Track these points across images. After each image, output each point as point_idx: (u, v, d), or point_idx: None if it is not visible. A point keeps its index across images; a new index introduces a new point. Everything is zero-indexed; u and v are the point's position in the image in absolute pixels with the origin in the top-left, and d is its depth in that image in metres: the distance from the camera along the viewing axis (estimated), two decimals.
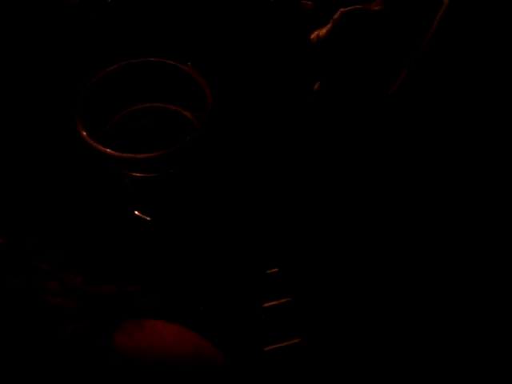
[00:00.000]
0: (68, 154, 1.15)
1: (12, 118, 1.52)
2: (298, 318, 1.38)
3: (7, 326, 0.80)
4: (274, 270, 1.23)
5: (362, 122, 1.95)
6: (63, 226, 1.13)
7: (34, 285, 0.85)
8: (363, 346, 1.44)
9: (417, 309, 1.41)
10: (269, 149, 2.05)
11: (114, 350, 0.76)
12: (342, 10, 1.96)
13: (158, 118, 0.70)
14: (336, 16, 1.97)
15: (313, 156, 2.27)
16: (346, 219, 2.04)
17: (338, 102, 2.11)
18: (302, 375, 1.25)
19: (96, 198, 1.09)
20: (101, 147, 0.64)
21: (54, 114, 1.46)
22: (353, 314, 1.54)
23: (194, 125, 0.66)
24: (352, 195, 2.06)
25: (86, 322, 0.83)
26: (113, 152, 0.62)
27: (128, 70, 0.97)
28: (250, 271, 1.02)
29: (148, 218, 0.94)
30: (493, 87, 1.12)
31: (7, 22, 1.69)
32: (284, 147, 2.14)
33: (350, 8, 1.95)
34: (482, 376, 1.25)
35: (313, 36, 2.18)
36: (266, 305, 1.21)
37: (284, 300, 1.35)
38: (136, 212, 0.98)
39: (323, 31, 2.07)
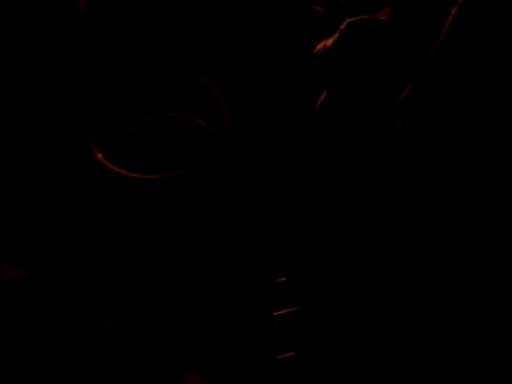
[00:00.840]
0: (81, 173, 1.15)
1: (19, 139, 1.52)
2: (307, 327, 1.39)
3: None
4: (282, 279, 1.23)
5: (368, 133, 1.96)
6: (77, 254, 1.12)
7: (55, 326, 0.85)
8: (370, 354, 1.44)
9: (423, 318, 1.41)
10: (278, 156, 2.06)
11: None
12: (348, 20, 1.97)
13: (173, 128, 0.69)
14: (343, 26, 1.98)
15: (320, 166, 2.28)
16: (353, 230, 2.05)
17: (345, 112, 2.12)
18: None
19: (114, 220, 1.08)
20: (118, 169, 0.63)
21: (64, 129, 1.46)
22: (360, 322, 1.55)
23: (209, 133, 0.66)
24: (358, 206, 2.07)
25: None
26: (131, 174, 0.62)
27: (141, 80, 0.96)
28: (260, 280, 1.02)
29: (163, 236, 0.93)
30: (502, 98, 1.13)
31: (13, 30, 1.70)
32: (293, 156, 2.15)
33: (356, 18, 1.96)
34: (482, 376, 1.26)
35: (319, 46, 2.19)
36: (277, 313, 1.21)
37: (293, 309, 1.35)
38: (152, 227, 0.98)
39: (330, 41, 2.08)
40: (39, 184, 1.39)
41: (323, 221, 2.07)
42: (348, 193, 2.13)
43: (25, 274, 0.99)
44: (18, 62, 1.70)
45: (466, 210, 1.31)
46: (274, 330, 1.12)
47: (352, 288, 1.74)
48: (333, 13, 2.91)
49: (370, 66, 1.91)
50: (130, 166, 0.62)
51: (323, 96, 2.33)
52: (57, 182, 1.35)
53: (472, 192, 1.28)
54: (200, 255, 0.94)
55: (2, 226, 1.25)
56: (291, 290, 1.40)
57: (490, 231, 1.27)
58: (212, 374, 1.07)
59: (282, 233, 1.56)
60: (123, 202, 0.96)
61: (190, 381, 0.96)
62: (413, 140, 1.35)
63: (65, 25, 1.69)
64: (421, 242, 1.49)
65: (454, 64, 1.21)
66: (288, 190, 2.12)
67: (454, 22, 1.19)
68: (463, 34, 1.17)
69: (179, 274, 1.06)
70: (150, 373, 0.91)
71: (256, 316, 1.10)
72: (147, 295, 1.00)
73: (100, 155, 0.61)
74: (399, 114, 1.36)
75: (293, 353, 1.20)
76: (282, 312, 1.18)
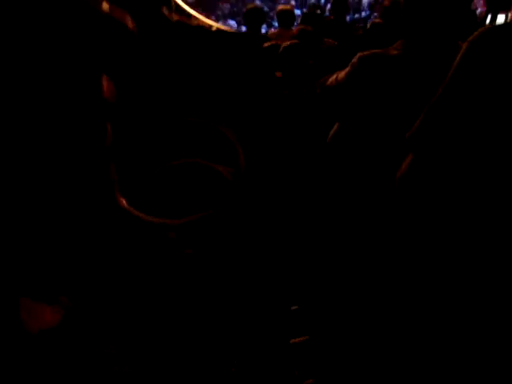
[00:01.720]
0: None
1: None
2: (318, 355, 1.39)
3: None
4: (294, 308, 1.25)
5: (379, 165, 1.97)
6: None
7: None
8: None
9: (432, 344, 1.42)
10: (289, 188, 2.09)
11: None
12: (360, 54, 2.01)
13: (196, 173, 0.71)
14: (355, 60, 2.03)
15: (331, 197, 2.30)
16: (362, 264, 2.06)
17: (357, 144, 2.15)
18: None
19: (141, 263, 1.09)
20: (146, 216, 0.65)
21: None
22: (367, 351, 1.55)
23: (227, 179, 0.68)
24: (367, 237, 2.08)
25: None
26: (157, 219, 0.63)
27: (164, 129, 0.99)
28: (275, 309, 1.04)
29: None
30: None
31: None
32: (303, 188, 2.18)
33: (368, 52, 2.00)
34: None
35: (332, 78, 2.23)
36: (293, 341, 1.22)
37: (304, 338, 1.36)
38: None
39: (342, 74, 2.12)
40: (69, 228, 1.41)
41: (333, 256, 2.08)
42: (358, 225, 2.14)
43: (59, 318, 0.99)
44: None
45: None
46: (289, 357, 1.13)
47: (361, 318, 1.75)
48: (346, 46, 2.96)
49: (380, 98, 1.94)
50: (156, 209, 0.63)
51: (335, 128, 2.36)
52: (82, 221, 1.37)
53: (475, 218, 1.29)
54: (219, 286, 0.95)
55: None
56: (303, 319, 1.41)
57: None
58: None
59: (295, 267, 1.58)
60: (148, 238, 0.98)
61: None
62: (424, 174, 1.36)
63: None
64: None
65: (464, 98, 1.22)
66: (301, 226, 2.14)
67: (464, 57, 1.21)
68: (473, 69, 1.19)
69: (198, 305, 1.07)
70: None
71: (271, 342, 1.11)
72: (166, 324, 1.01)
73: (125, 202, 0.62)
74: (410, 147, 1.37)
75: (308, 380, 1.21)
76: (297, 340, 1.19)
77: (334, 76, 2.20)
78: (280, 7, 5.86)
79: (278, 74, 3.32)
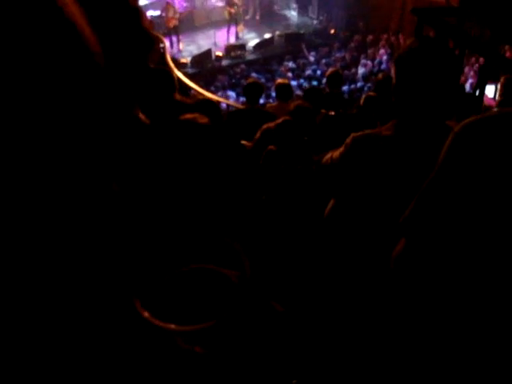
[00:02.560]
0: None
1: None
2: None
3: None
4: (294, 382, 1.25)
5: (373, 242, 2.01)
6: None
7: None
8: None
9: None
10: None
11: None
12: (354, 134, 2.09)
13: (203, 279, 0.73)
14: (348, 140, 2.10)
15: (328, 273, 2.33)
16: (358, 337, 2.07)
17: (352, 220, 2.20)
18: None
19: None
20: (160, 323, 0.66)
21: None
22: None
23: (234, 284, 0.71)
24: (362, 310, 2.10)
25: None
26: (168, 325, 0.65)
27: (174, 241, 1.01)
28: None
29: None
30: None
31: None
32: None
33: (361, 133, 2.07)
34: None
35: (327, 157, 2.30)
36: None
37: None
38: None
39: (336, 154, 2.19)
40: None
41: (331, 331, 2.10)
42: (352, 300, 2.16)
43: None
44: None
45: None
46: None
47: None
48: (341, 125, 3.05)
49: (374, 179, 2.00)
50: (166, 314, 0.64)
51: (331, 204, 2.42)
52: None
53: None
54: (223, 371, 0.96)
55: None
56: None
57: None
58: None
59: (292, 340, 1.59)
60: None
61: None
62: (418, 258, 1.40)
63: None
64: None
65: (450, 188, 1.27)
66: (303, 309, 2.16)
67: (449, 148, 1.26)
68: (457, 160, 1.24)
69: None
70: None
71: None
72: None
73: (147, 314, 0.64)
74: (403, 232, 1.41)
75: None
76: None
77: (329, 155, 2.27)
78: (278, 81, 6.07)
79: (273, 148, 3.41)
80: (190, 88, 9.44)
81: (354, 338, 2.11)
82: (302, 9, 19.63)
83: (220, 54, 16.06)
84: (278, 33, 17.99)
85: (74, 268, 0.56)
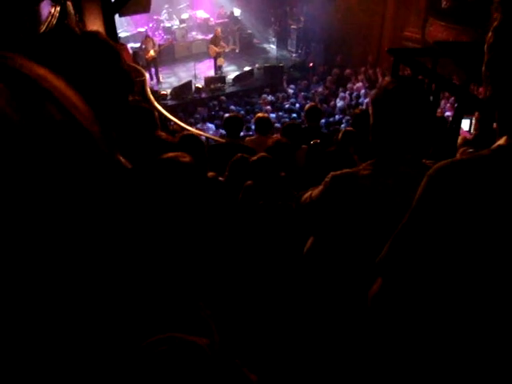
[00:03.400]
0: None
1: None
2: None
3: None
4: None
5: (352, 279, 2.02)
6: None
7: None
8: None
9: None
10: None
11: None
12: (333, 173, 2.11)
13: (176, 349, 0.72)
14: (327, 179, 2.12)
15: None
16: None
17: (330, 258, 2.21)
18: None
19: None
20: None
21: None
22: None
23: (205, 351, 0.70)
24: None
25: None
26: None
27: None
28: None
29: None
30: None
31: None
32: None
33: (340, 172, 2.09)
34: None
35: (306, 195, 2.32)
36: None
37: None
38: None
39: (316, 192, 2.21)
40: None
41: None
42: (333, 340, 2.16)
43: None
44: None
45: None
46: None
47: None
48: (319, 164, 3.07)
49: (352, 217, 2.02)
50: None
51: (310, 242, 2.43)
52: None
53: None
54: None
55: None
56: None
57: None
58: None
59: None
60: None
61: None
62: (394, 298, 1.41)
63: None
64: None
65: (423, 231, 1.29)
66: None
67: (423, 192, 1.28)
68: (431, 203, 1.26)
69: None
70: None
71: None
72: None
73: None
74: (379, 271, 1.43)
75: None
76: None
77: (309, 193, 2.28)
78: (258, 115, 6.11)
79: (250, 183, 3.42)
80: (170, 120, 9.47)
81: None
82: (281, 42, 19.93)
83: (200, 86, 16.18)
84: (257, 66, 18.22)
85: None
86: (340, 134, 5.10)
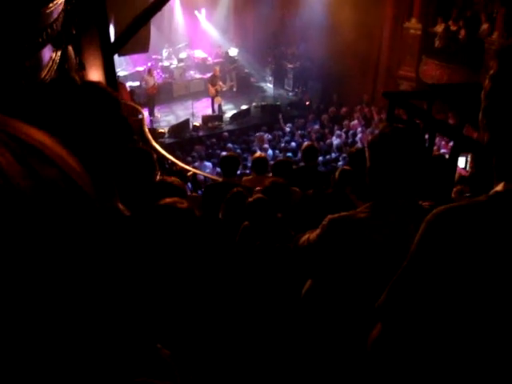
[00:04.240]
0: None
1: None
2: None
3: None
4: None
5: (351, 324, 2.01)
6: None
7: None
8: None
9: None
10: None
11: None
12: (330, 216, 2.12)
13: None
14: (325, 222, 2.13)
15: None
16: None
17: (330, 300, 2.20)
18: None
19: None
20: None
21: None
22: None
23: None
24: None
25: None
26: None
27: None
28: None
29: None
30: None
31: None
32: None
33: (337, 215, 2.11)
34: None
35: (303, 238, 2.33)
36: None
37: None
38: None
39: (313, 235, 2.22)
40: None
41: None
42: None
43: None
44: None
45: None
46: None
47: None
48: (317, 206, 3.09)
49: (350, 261, 2.03)
50: None
51: (308, 284, 2.42)
52: None
53: None
54: None
55: None
56: None
57: None
58: None
59: None
60: None
61: None
62: (394, 343, 1.40)
63: None
64: None
65: (422, 276, 1.30)
66: None
67: (422, 237, 1.29)
68: (430, 249, 1.27)
69: None
70: None
71: None
72: None
73: None
74: (378, 317, 1.42)
75: None
76: None
77: (306, 236, 2.29)
78: (255, 155, 6.15)
79: (247, 224, 3.43)
80: (167, 159, 9.52)
81: None
82: (278, 81, 20.18)
83: (197, 124, 16.31)
84: (254, 104, 18.40)
85: None
86: (337, 173, 5.14)
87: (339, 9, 16.50)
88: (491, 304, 1.17)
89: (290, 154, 13.44)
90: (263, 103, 18.41)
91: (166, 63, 19.22)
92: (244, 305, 2.93)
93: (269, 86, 20.68)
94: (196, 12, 20.27)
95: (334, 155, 13.45)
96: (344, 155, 13.07)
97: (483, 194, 1.23)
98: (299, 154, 11.87)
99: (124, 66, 17.91)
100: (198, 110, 17.56)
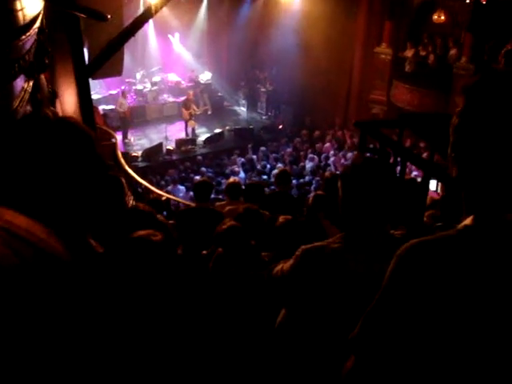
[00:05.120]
0: None
1: None
2: None
3: None
4: None
5: (325, 356, 2.01)
6: None
7: None
8: None
9: None
10: None
11: None
12: (303, 247, 2.13)
13: None
14: (298, 252, 2.14)
15: None
16: None
17: (304, 330, 2.20)
18: None
19: None
20: None
21: None
22: None
23: None
24: None
25: None
26: None
27: None
28: None
29: None
30: None
31: None
32: None
33: (310, 246, 2.12)
34: None
35: (277, 268, 2.33)
36: None
37: None
38: None
39: (287, 265, 2.22)
40: None
41: None
42: None
43: None
44: None
45: None
46: None
47: None
48: (291, 236, 3.09)
49: (323, 290, 2.03)
50: None
51: (282, 314, 2.42)
52: None
53: None
54: None
55: None
56: None
57: None
58: None
59: None
60: None
61: None
62: (366, 377, 1.41)
63: None
64: None
65: (400, 304, 1.31)
66: None
67: (393, 271, 1.31)
68: (400, 283, 1.29)
69: None
70: None
71: None
72: None
73: None
74: (352, 349, 1.43)
75: None
76: None
77: (280, 266, 2.30)
78: (229, 181, 6.16)
79: (221, 251, 3.42)
80: (140, 184, 9.48)
81: None
82: (251, 105, 20.32)
83: (171, 148, 16.29)
84: (227, 128, 18.47)
85: None
86: (310, 199, 5.17)
87: (311, 33, 16.77)
88: (463, 338, 1.19)
89: (265, 177, 13.50)
90: (236, 127, 18.50)
91: (139, 87, 19.20)
92: (218, 333, 2.91)
93: (242, 110, 20.79)
94: (170, 36, 20.33)
95: (307, 178, 13.54)
96: (317, 178, 13.18)
97: (454, 218, 1.26)
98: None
99: (97, 89, 17.84)
100: (171, 134, 17.55)
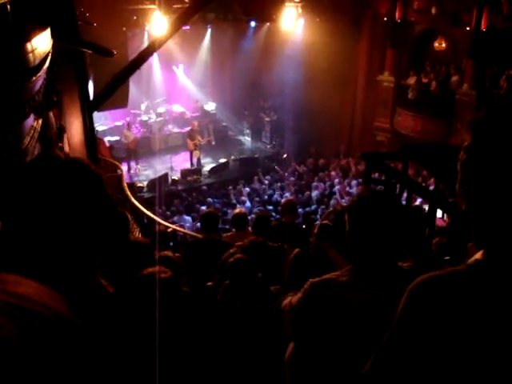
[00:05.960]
0: None
1: None
2: None
3: None
4: None
5: None
6: None
7: None
8: None
9: None
10: None
11: None
12: (311, 280, 2.14)
13: None
14: (306, 286, 2.14)
15: None
16: None
17: (312, 364, 2.19)
18: None
19: None
20: None
21: None
22: None
23: None
24: None
25: None
26: None
27: None
28: None
29: None
30: None
31: None
32: None
33: (318, 279, 2.12)
34: None
35: (286, 302, 2.34)
36: None
37: None
38: None
39: (295, 299, 2.23)
40: None
41: None
42: None
43: None
44: None
45: None
46: None
47: None
48: (300, 270, 3.09)
49: (332, 324, 2.03)
50: None
51: (290, 348, 2.41)
52: None
53: None
54: None
55: None
56: None
57: None
58: None
59: None
60: None
61: None
62: None
63: None
64: None
65: (412, 340, 1.31)
66: None
67: (404, 306, 1.31)
68: (412, 317, 1.29)
69: None
70: None
71: None
72: None
73: None
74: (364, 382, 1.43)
75: None
76: None
77: (288, 299, 2.30)
78: (235, 212, 6.19)
79: (227, 283, 3.41)
80: (145, 215, 9.48)
81: None
82: (256, 134, 20.41)
83: (176, 178, 16.33)
84: (232, 157, 18.53)
85: None
86: (316, 229, 5.17)
87: (314, 62, 16.88)
88: (475, 376, 1.18)
89: (270, 207, 13.49)
90: (241, 156, 18.58)
91: (144, 118, 19.35)
92: (227, 368, 2.90)
93: (246, 139, 20.89)
94: (174, 67, 20.55)
95: (313, 207, 13.52)
96: (323, 207, 13.17)
97: (460, 245, 1.27)
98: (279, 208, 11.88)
99: (103, 120, 17.99)
100: (176, 164, 17.62)
